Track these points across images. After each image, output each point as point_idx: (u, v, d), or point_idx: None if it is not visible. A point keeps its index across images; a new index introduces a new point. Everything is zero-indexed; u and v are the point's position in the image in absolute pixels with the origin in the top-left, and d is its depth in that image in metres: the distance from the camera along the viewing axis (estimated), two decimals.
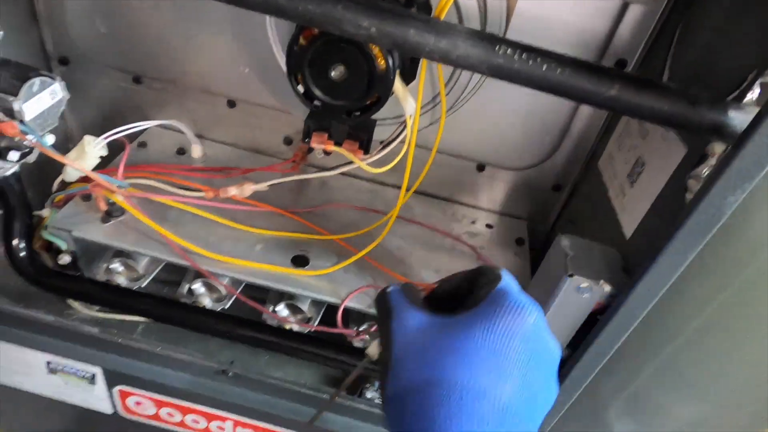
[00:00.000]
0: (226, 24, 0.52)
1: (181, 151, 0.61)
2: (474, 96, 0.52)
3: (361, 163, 0.43)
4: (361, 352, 0.52)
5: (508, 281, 0.31)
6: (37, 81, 0.40)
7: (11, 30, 0.45)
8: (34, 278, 0.52)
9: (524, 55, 0.31)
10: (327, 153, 0.44)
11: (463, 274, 0.34)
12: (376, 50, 0.35)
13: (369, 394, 0.54)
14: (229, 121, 0.61)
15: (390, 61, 0.35)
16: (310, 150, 0.60)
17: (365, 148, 0.43)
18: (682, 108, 0.31)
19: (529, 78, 0.32)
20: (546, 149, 0.56)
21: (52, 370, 0.56)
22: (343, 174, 0.63)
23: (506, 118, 0.55)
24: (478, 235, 0.60)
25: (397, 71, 0.37)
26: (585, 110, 0.53)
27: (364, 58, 0.35)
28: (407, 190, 0.48)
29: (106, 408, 0.59)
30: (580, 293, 0.40)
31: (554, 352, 0.30)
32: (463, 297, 0.32)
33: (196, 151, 0.60)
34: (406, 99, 0.38)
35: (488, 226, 0.61)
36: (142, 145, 0.61)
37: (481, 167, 0.60)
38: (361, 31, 0.31)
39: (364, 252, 0.51)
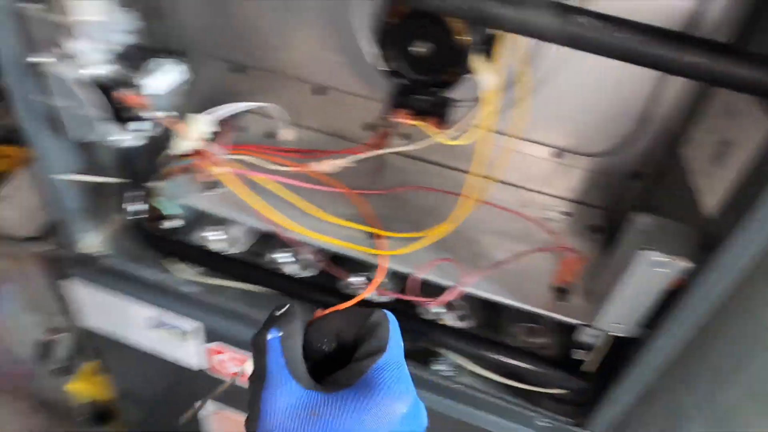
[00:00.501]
0: (318, 14, 0.57)
1: (273, 135, 0.66)
2: (551, 81, 0.54)
3: (441, 138, 0.45)
4: (429, 323, 0.54)
5: (390, 355, 0.30)
6: (162, 62, 0.47)
7: (140, 23, 0.52)
8: (146, 241, 0.60)
9: (601, 23, 0.32)
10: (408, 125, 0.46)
11: (349, 318, 0.33)
12: (458, 26, 0.38)
13: (434, 367, 0.56)
14: (318, 108, 0.66)
15: (470, 36, 0.38)
16: (389, 134, 0.64)
17: (443, 122, 0.45)
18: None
19: (608, 45, 0.33)
20: (625, 135, 0.56)
21: (155, 325, 0.63)
22: (420, 160, 0.67)
23: (583, 103, 0.55)
24: (553, 221, 0.60)
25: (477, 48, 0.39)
26: (665, 94, 0.52)
27: (446, 32, 0.38)
28: (482, 174, 0.50)
29: (195, 364, 0.65)
30: (654, 268, 0.40)
31: None
32: (345, 349, 0.32)
33: (287, 134, 0.65)
34: (484, 74, 0.40)
35: (564, 213, 0.61)
36: (240, 128, 0.67)
37: (557, 153, 0.60)
38: (444, 4, 0.34)
39: (437, 229, 0.54)
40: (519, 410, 0.54)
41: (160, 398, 0.78)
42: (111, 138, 0.51)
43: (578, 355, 0.51)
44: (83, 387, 0.92)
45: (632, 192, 0.59)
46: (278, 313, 0.32)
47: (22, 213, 0.80)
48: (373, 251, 0.53)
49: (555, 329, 0.55)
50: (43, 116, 0.50)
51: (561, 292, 0.51)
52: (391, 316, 0.32)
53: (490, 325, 0.57)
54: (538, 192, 0.63)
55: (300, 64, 0.63)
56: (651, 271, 0.41)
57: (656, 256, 0.40)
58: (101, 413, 0.94)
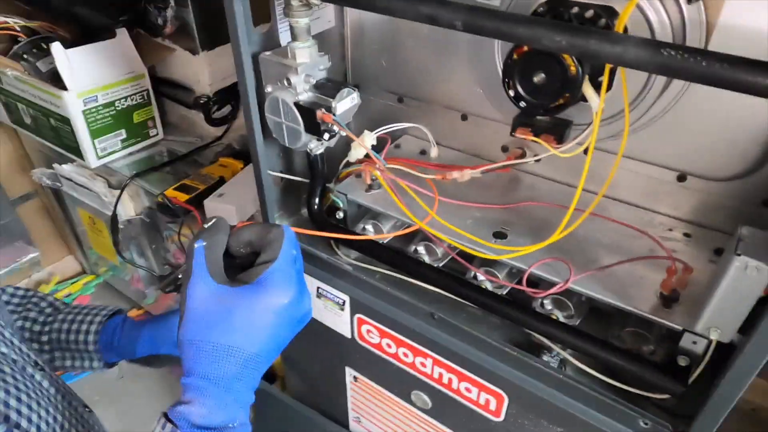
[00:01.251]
0: (465, 53, 0.70)
1: (423, 152, 0.81)
2: (675, 105, 0.59)
3: (555, 150, 0.54)
4: (541, 316, 0.61)
5: (281, 262, 0.43)
6: (345, 90, 0.64)
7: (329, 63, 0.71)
8: (323, 228, 0.77)
9: (686, 54, 0.40)
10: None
11: (257, 232, 0.46)
12: (568, 60, 0.48)
13: (545, 357, 0.63)
14: (461, 132, 0.79)
15: (579, 68, 0.47)
16: (523, 156, 0.73)
17: (560, 140, 0.55)
18: None
19: (691, 72, 0.40)
20: (754, 160, 0.58)
21: (319, 295, 0.80)
22: (549, 180, 0.75)
23: (709, 127, 0.59)
24: (672, 240, 0.63)
25: (586, 76, 0.48)
26: None
27: (559, 65, 0.48)
28: (597, 191, 0.57)
29: (346, 332, 0.81)
30: (748, 273, 0.44)
31: (303, 317, 0.45)
32: (251, 253, 0.46)
33: (434, 152, 0.79)
34: (593, 98, 0.49)
35: (686, 235, 0.64)
36: (397, 146, 0.83)
37: (681, 177, 0.64)
38: (555, 44, 0.44)
39: (553, 237, 0.62)
40: (621, 409, 0.58)
41: (316, 362, 0.95)
42: (309, 146, 0.70)
43: (682, 361, 0.54)
44: None
45: (762, 218, 0.60)
46: (206, 225, 0.46)
47: (236, 207, 1.06)
48: (493, 245, 0.63)
49: (660, 338, 0.58)
50: (263, 130, 0.71)
51: (667, 300, 0.55)
52: (288, 231, 0.45)
53: (597, 326, 0.62)
54: (661, 213, 0.67)
55: (450, 95, 0.77)
56: (744, 276, 0.44)
57: (750, 262, 0.44)
58: (270, 373, 1.15)
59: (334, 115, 0.63)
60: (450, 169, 0.70)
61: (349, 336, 0.81)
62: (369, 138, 0.70)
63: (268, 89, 0.67)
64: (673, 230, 0.65)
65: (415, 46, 0.75)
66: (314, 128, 0.65)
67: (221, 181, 1.15)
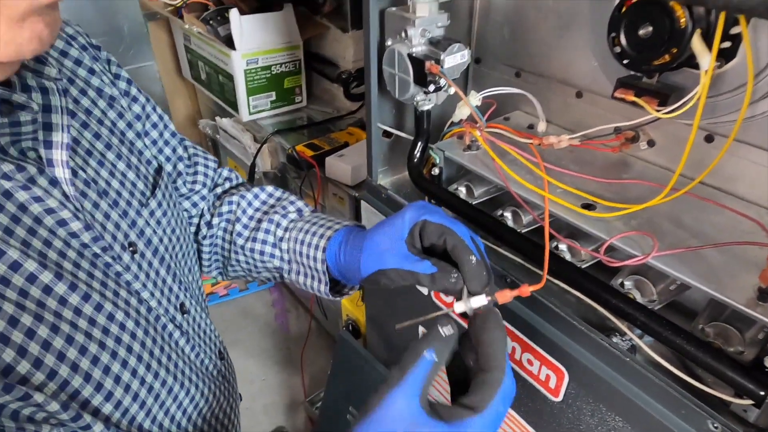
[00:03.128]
0: (587, 24, 0.69)
1: (530, 127, 0.81)
2: None
3: (655, 112, 0.52)
4: (617, 294, 0.58)
5: (486, 419, 0.37)
6: (456, 45, 0.67)
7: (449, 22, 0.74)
8: (417, 182, 0.81)
9: None
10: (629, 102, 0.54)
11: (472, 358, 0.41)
12: (678, 10, 0.46)
13: (615, 339, 0.59)
14: (574, 109, 0.77)
15: (688, 18, 0.45)
16: (635, 139, 0.70)
17: (662, 103, 0.52)
18: None
19: None
20: None
21: None
22: (653, 165, 0.70)
23: None
24: None
25: (698, 30, 0.46)
26: None
27: (668, 17, 0.46)
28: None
29: (424, 289, 0.83)
30: None
31: None
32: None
33: (542, 126, 0.78)
34: (702, 54, 0.46)
35: None
36: (507, 119, 0.83)
37: None
38: None
39: (639, 206, 0.58)
40: (690, 406, 0.53)
41: (395, 321, 0.99)
42: (417, 99, 0.74)
43: None
44: (349, 305, 1.22)
45: None
46: (443, 332, 0.39)
47: (352, 167, 1.14)
48: (578, 209, 0.61)
49: (754, 341, 0.52)
50: (379, 83, 0.77)
51: (765, 294, 0.49)
52: (506, 384, 0.39)
53: (678, 319, 0.57)
54: None
55: (566, 69, 0.76)
56: None
57: None
58: (356, 329, 1.22)
59: (441, 67, 0.67)
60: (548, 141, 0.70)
61: (426, 293, 0.83)
62: (474, 97, 0.72)
63: (389, 42, 0.73)
64: None
65: (537, 18, 0.76)
66: (422, 79, 0.69)
67: (345, 146, 1.25)
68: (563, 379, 0.64)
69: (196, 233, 0.69)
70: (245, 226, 0.67)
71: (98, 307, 0.44)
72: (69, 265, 0.43)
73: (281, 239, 0.64)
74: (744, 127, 0.59)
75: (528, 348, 0.67)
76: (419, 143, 0.79)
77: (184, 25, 1.45)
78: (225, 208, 0.68)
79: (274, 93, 1.43)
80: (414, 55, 0.69)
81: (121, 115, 0.56)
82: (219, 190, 0.71)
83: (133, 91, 0.60)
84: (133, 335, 0.47)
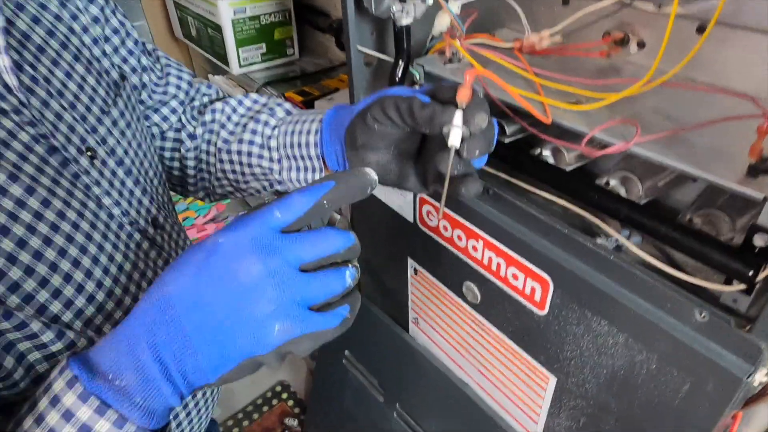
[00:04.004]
0: None
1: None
2: None
3: None
4: (601, 191, 0.55)
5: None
6: None
7: None
8: None
9: None
10: None
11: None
12: None
13: (599, 240, 0.56)
14: (561, 17, 0.73)
15: None
16: (624, 42, 0.66)
17: None
18: None
19: None
20: None
21: None
22: (641, 67, 0.66)
23: None
24: None
25: None
26: None
27: None
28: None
29: (410, 215, 0.81)
30: None
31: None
32: None
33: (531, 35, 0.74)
34: None
35: None
36: (492, 35, 0.80)
37: None
38: None
39: (619, 95, 0.55)
40: (677, 298, 0.50)
41: (383, 254, 0.97)
42: (393, 10, 0.71)
43: (759, 240, 0.44)
44: None
45: None
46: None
47: None
48: (546, 100, 0.58)
49: (746, 227, 0.49)
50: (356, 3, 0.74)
51: (755, 170, 0.46)
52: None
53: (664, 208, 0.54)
54: None
55: None
56: None
57: None
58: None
59: None
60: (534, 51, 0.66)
61: (411, 220, 0.81)
62: (453, 4, 0.69)
63: None
64: None
65: None
66: None
67: (335, 91, 1.22)
68: (548, 289, 0.61)
69: (179, 148, 0.67)
70: (231, 132, 0.65)
71: (45, 203, 0.43)
72: (12, 156, 0.42)
73: (270, 137, 0.62)
74: (735, 9, 0.55)
75: (512, 261, 0.64)
76: (400, 63, 0.76)
77: None
78: (208, 117, 0.66)
79: (264, 45, 1.40)
80: None
81: (75, 17, 0.54)
82: (197, 103, 0.69)
83: None
84: (89, 236, 0.46)
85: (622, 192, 0.56)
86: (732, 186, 0.45)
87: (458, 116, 0.43)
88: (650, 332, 0.52)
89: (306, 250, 0.36)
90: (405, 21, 0.72)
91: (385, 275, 0.99)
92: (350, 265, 0.38)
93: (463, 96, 0.43)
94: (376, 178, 0.39)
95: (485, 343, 0.78)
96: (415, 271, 0.87)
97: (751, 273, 0.44)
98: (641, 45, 0.65)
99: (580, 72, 0.66)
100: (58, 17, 0.52)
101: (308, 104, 1.17)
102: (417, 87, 0.76)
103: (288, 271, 0.35)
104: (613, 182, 0.57)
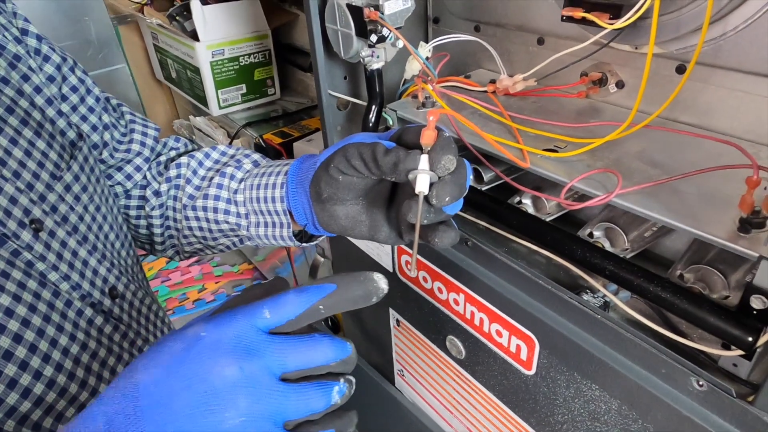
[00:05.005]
0: None
1: (493, 82, 0.74)
2: None
3: (608, 25, 0.45)
4: (584, 244, 0.51)
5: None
6: None
7: None
8: None
9: None
10: (578, 21, 0.48)
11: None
12: None
13: (585, 297, 0.52)
14: (537, 58, 0.71)
15: None
16: (603, 82, 0.64)
17: (616, 16, 0.45)
18: None
19: None
20: None
21: None
22: (626, 109, 0.64)
23: None
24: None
25: None
26: None
27: None
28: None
29: (389, 265, 0.77)
30: None
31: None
32: None
33: (505, 80, 0.72)
34: None
35: None
36: (467, 76, 0.77)
37: None
38: None
39: (600, 140, 0.52)
40: (670, 363, 0.45)
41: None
42: (362, 55, 0.68)
43: (757, 302, 0.40)
44: None
45: None
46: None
47: (320, 149, 1.09)
48: (522, 146, 0.54)
49: (741, 285, 0.45)
50: (324, 42, 0.72)
51: (746, 224, 0.42)
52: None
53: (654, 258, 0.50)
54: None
55: (524, 13, 0.69)
56: None
57: None
58: (335, 323, 1.15)
59: (381, 13, 0.61)
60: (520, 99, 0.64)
61: (391, 270, 0.77)
62: (423, 49, 0.66)
63: None
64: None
65: None
66: (363, 30, 0.64)
67: (315, 131, 1.20)
68: (534, 348, 0.57)
69: (144, 206, 0.64)
70: (197, 187, 0.61)
71: None
72: None
73: (236, 191, 0.58)
74: (715, 49, 0.52)
75: (495, 317, 0.60)
76: (373, 107, 0.73)
77: (147, 20, 1.41)
78: (173, 173, 0.63)
79: (244, 85, 1.38)
80: (353, 4, 0.64)
81: (26, 78, 0.51)
82: (163, 158, 0.65)
83: (45, 49, 0.53)
84: (27, 319, 0.41)
85: (607, 245, 0.52)
86: (724, 243, 0.41)
87: (424, 161, 0.39)
88: (644, 399, 0.47)
89: (291, 358, 0.32)
90: (375, 65, 0.70)
91: (368, 324, 0.95)
92: (342, 380, 0.33)
93: (427, 138, 0.39)
94: (385, 287, 0.35)
95: (473, 401, 0.73)
96: (398, 322, 0.82)
97: (750, 339, 0.40)
98: (620, 85, 0.62)
99: (559, 114, 0.64)
100: (4, 79, 0.48)
101: (287, 146, 1.14)
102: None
103: (266, 379, 0.31)
104: (597, 233, 0.53)
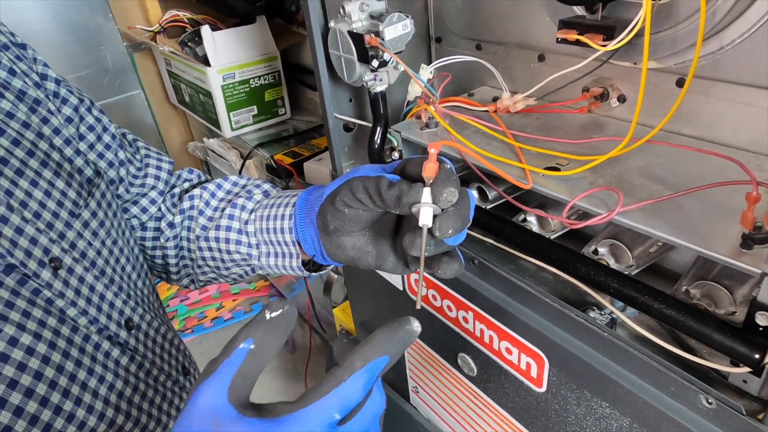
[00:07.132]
0: None
1: (496, 100, 0.75)
2: None
3: (600, 47, 0.46)
4: (588, 261, 0.51)
5: (318, 412, 0.31)
6: (395, 15, 0.63)
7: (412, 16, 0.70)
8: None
9: None
10: (572, 42, 0.49)
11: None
12: None
13: (592, 314, 0.52)
14: (539, 75, 0.71)
15: None
16: (605, 97, 0.64)
17: (608, 38, 0.46)
18: None
19: None
20: None
21: None
22: (627, 122, 0.64)
23: None
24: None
25: None
26: None
27: None
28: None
29: (398, 283, 0.77)
30: None
31: None
32: None
33: (505, 96, 0.72)
34: None
35: None
36: (471, 95, 0.78)
37: None
38: None
39: (602, 157, 0.52)
40: (679, 381, 0.45)
41: (380, 321, 0.93)
42: (365, 79, 0.70)
43: (762, 319, 0.40)
44: (341, 316, 1.16)
45: None
46: (268, 315, 0.33)
47: (330, 170, 1.10)
48: (524, 166, 0.55)
49: (746, 299, 0.45)
50: (328, 67, 0.73)
51: (748, 240, 0.42)
52: (351, 384, 0.32)
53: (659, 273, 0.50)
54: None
55: (524, 32, 0.70)
56: None
57: None
58: (350, 336, 1.16)
59: (381, 39, 0.63)
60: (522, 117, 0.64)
61: (401, 288, 0.78)
62: (425, 71, 0.67)
63: (331, 24, 0.69)
64: None
65: None
66: (364, 55, 0.65)
67: (325, 150, 1.22)
68: (544, 366, 0.57)
69: (159, 237, 0.66)
70: (209, 218, 0.63)
71: None
72: None
73: (246, 222, 0.60)
74: (714, 63, 0.52)
75: (504, 335, 0.60)
76: (378, 129, 0.75)
77: (160, 47, 1.45)
78: (186, 204, 0.65)
79: (255, 107, 1.41)
80: (354, 31, 0.65)
81: (45, 120, 0.53)
82: (177, 190, 0.67)
83: (63, 91, 0.56)
84: (46, 359, 0.43)
85: (612, 262, 0.52)
86: (727, 260, 0.41)
87: (426, 194, 0.40)
88: (654, 417, 0.47)
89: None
90: (379, 88, 0.71)
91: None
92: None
93: (428, 171, 0.40)
94: (418, 329, 0.37)
95: (487, 418, 0.73)
96: None
97: (756, 356, 0.40)
98: (622, 99, 0.63)
99: (561, 130, 0.64)
100: (26, 124, 0.50)
101: (298, 165, 1.16)
102: (395, 153, 0.74)
103: None
104: (602, 250, 0.53)
